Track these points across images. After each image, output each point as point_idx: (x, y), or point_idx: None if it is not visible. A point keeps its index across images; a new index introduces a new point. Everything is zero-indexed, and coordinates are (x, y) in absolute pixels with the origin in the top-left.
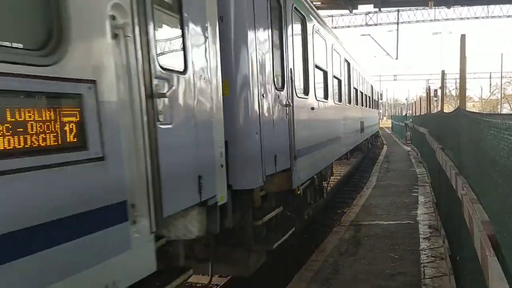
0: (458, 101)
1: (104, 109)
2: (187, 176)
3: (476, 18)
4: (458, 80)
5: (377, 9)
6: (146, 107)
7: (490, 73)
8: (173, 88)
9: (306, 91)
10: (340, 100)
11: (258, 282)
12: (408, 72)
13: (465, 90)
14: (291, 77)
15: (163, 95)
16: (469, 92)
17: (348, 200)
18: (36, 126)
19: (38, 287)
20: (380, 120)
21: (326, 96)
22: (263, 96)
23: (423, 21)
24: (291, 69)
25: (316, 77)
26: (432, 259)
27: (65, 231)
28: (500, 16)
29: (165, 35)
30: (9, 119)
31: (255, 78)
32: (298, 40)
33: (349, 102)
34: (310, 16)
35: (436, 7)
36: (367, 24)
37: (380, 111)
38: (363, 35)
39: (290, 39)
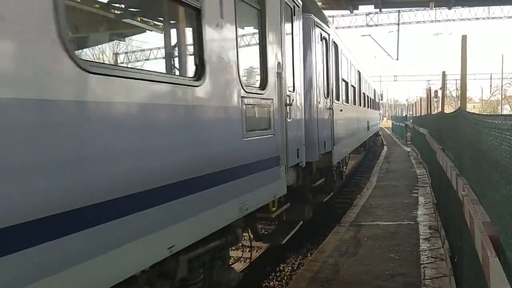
0: (459, 102)
1: (275, 112)
2: (295, 147)
3: (477, 19)
4: (458, 81)
5: (377, 10)
6: (284, 110)
7: (491, 74)
8: (292, 100)
9: (337, 97)
10: (354, 103)
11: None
12: (408, 72)
13: (466, 91)
14: (332, 89)
15: (289, 104)
16: (469, 93)
17: (348, 200)
18: (261, 119)
19: (257, 186)
20: (381, 121)
21: (347, 101)
22: (318, 103)
23: (423, 22)
24: (331, 83)
25: (342, 87)
26: (432, 260)
27: (266, 164)
28: (500, 17)
29: (287, 74)
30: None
31: (315, 92)
32: (333, 61)
33: (359, 104)
34: (340, 43)
35: (437, 8)
36: (367, 25)
37: (381, 111)
38: (364, 35)
39: (330, 62)
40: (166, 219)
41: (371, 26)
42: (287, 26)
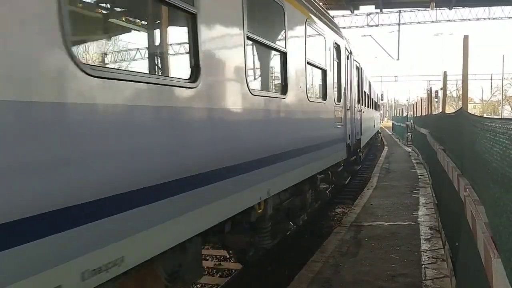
0: (459, 102)
1: (343, 114)
2: (348, 133)
3: (478, 19)
4: (459, 82)
5: (378, 10)
6: (346, 112)
7: (491, 74)
8: (348, 107)
9: (359, 102)
10: (368, 106)
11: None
12: (409, 73)
13: (467, 91)
14: (362, 96)
15: (348, 109)
16: (470, 93)
17: (349, 200)
18: (339, 118)
19: (337, 151)
20: (381, 121)
21: (363, 104)
22: (355, 107)
23: (424, 22)
24: (360, 93)
25: (362, 95)
26: (433, 260)
27: (340, 140)
28: (501, 18)
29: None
30: (337, 115)
31: (353, 100)
32: (360, 80)
33: (368, 106)
34: (363, 67)
35: (438, 8)
36: (368, 25)
37: (381, 112)
38: (364, 36)
39: (359, 80)
40: (309, 160)
41: (372, 26)
42: (348, 64)
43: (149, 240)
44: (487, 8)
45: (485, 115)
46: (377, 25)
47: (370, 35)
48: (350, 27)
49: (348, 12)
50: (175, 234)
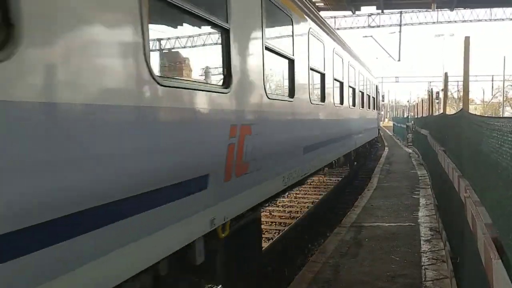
0: (460, 103)
1: (377, 117)
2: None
3: (479, 20)
4: (459, 83)
5: (379, 11)
6: (378, 116)
7: (492, 75)
8: (378, 112)
9: (373, 107)
10: (373, 108)
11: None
12: (410, 74)
13: (468, 92)
14: (378, 104)
15: (379, 113)
16: (471, 94)
17: (349, 201)
18: (377, 119)
19: (372, 136)
20: (382, 122)
21: (374, 108)
22: (377, 111)
23: (425, 23)
24: (377, 100)
25: (376, 100)
26: (433, 261)
27: (367, 132)
28: (503, 19)
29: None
30: (378, 118)
31: (378, 108)
32: (376, 92)
33: (373, 108)
34: (379, 85)
35: (439, 10)
36: (369, 26)
37: (382, 112)
38: (366, 36)
39: (376, 93)
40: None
41: (373, 27)
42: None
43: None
44: (488, 9)
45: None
46: (378, 26)
47: (371, 36)
48: (351, 28)
49: (350, 12)
50: None
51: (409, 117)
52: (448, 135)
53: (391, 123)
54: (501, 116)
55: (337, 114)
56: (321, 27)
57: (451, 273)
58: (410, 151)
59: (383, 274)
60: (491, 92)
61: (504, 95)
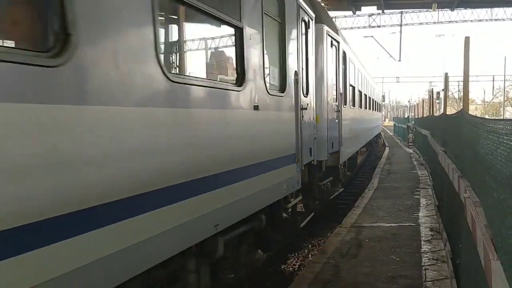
0: (461, 104)
1: (381, 119)
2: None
3: (480, 20)
4: (460, 83)
5: (380, 11)
6: (381, 118)
7: (493, 76)
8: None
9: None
10: (378, 110)
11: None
12: (410, 74)
13: (468, 92)
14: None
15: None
16: (471, 94)
17: (350, 201)
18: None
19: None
20: (383, 122)
21: (379, 110)
22: (382, 114)
23: (426, 23)
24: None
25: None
26: (433, 262)
27: (377, 127)
28: (504, 19)
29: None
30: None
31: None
32: (382, 97)
33: (377, 110)
34: (385, 95)
35: (440, 10)
36: (370, 26)
37: (383, 113)
38: (366, 36)
39: (380, 95)
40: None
41: (374, 27)
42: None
43: None
44: (489, 9)
45: (486, 116)
46: (379, 26)
47: (372, 36)
48: (352, 28)
49: (350, 13)
50: None
51: (410, 117)
52: (448, 136)
53: (391, 123)
54: (502, 117)
55: (365, 115)
56: (356, 56)
57: (452, 273)
58: (411, 151)
59: (383, 275)
60: (492, 92)
61: (505, 95)
